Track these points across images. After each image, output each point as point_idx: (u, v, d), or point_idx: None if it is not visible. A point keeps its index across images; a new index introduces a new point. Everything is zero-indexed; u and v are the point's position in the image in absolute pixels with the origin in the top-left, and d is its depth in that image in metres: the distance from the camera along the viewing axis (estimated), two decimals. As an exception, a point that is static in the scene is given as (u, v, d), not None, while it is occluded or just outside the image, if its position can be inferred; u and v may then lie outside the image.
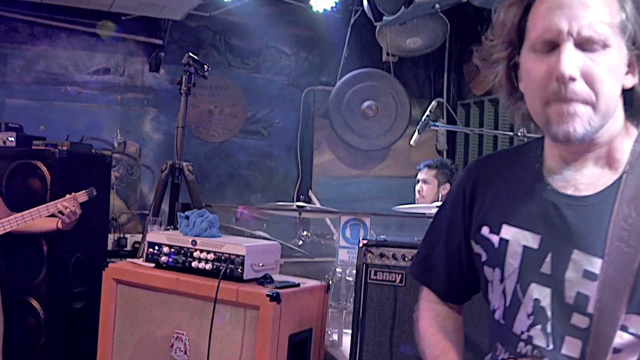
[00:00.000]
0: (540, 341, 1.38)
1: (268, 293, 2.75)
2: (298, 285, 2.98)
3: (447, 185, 4.85)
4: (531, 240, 1.42)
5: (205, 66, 3.77)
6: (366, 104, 5.84)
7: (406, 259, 2.96)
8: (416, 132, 4.20)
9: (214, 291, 2.80)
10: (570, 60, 1.29)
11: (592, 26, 1.30)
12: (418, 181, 4.93)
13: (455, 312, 1.75)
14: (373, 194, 6.20)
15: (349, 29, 5.92)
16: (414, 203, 5.11)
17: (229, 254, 2.90)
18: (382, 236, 3.11)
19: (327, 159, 6.06)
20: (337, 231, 3.62)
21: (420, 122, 4.19)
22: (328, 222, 3.93)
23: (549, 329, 1.38)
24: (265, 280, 2.94)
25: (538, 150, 1.50)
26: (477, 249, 1.55)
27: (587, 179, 1.40)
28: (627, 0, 1.34)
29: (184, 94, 3.75)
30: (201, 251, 2.96)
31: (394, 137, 5.96)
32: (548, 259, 1.40)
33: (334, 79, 5.98)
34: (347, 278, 4.08)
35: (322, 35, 6.08)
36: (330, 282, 3.88)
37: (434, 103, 4.29)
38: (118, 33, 5.19)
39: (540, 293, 1.40)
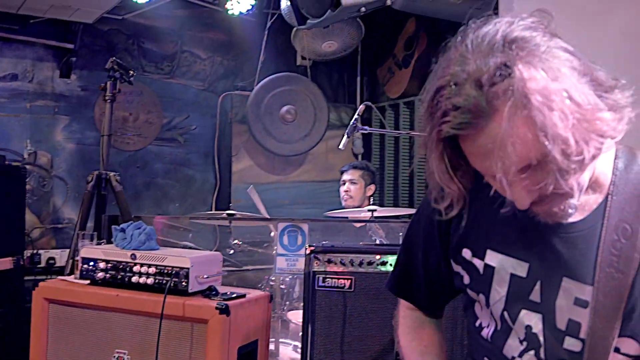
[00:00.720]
0: None
1: (217, 306, 2.65)
2: (244, 296, 2.90)
3: (372, 187, 4.89)
4: (519, 268, 1.40)
5: (131, 71, 3.61)
6: (285, 108, 5.78)
7: (354, 263, 2.93)
8: (345, 136, 4.19)
9: (157, 307, 2.68)
10: (521, 194, 1.25)
11: (523, 159, 1.20)
12: (344, 182, 4.93)
13: (436, 318, 1.75)
14: (292, 200, 6.16)
15: (266, 32, 5.85)
16: (339, 207, 5.12)
17: (172, 267, 2.78)
18: (322, 243, 3.06)
19: (246, 165, 5.95)
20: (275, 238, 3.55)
21: (349, 126, 4.19)
22: (272, 228, 3.84)
23: (542, 355, 1.38)
24: (210, 292, 2.84)
25: None
26: (457, 268, 1.53)
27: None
28: (548, 111, 1.16)
29: (109, 101, 3.57)
30: (142, 265, 2.82)
31: (313, 141, 5.93)
32: (537, 287, 1.39)
33: (251, 83, 5.89)
34: (281, 286, 4.02)
35: (238, 39, 5.98)
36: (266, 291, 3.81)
37: (361, 107, 4.30)
38: (26, 37, 4.89)
39: (531, 320, 1.39)
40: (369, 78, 6.65)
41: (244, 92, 5.90)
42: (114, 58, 3.57)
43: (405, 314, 1.75)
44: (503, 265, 1.42)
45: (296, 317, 3.76)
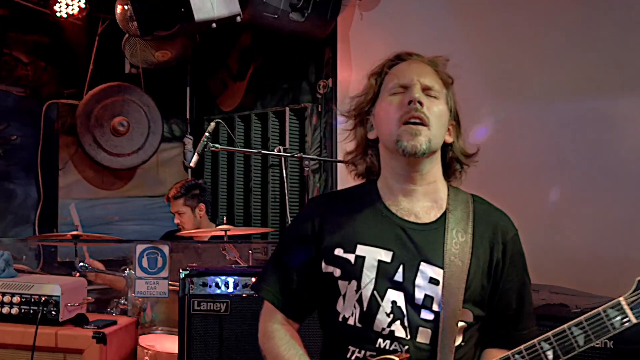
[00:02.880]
0: (400, 333, 1.78)
1: (94, 335, 2.51)
2: (115, 322, 2.76)
3: (202, 206, 4.81)
4: (384, 255, 1.83)
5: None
6: (117, 119, 5.53)
7: (229, 286, 2.90)
8: (195, 154, 4.12)
9: (26, 338, 2.50)
10: (419, 92, 1.83)
11: (431, 80, 1.87)
12: (174, 214, 4.83)
13: (297, 332, 1.98)
14: (123, 216, 5.90)
15: (97, 38, 5.56)
16: (173, 224, 5.01)
17: (40, 295, 2.58)
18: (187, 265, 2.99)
19: (74, 179, 5.61)
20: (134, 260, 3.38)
21: (200, 144, 4.11)
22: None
23: (406, 323, 1.79)
24: (81, 320, 2.67)
25: (374, 190, 1.93)
26: (328, 268, 1.87)
27: (422, 210, 1.88)
28: (448, 81, 1.92)
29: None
30: (4, 294, 2.58)
31: (147, 154, 5.73)
32: (400, 269, 1.81)
33: (80, 91, 5.56)
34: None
35: (65, 44, 5.61)
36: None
37: (212, 124, 4.24)
38: None
39: (396, 296, 1.80)
40: (202, 90, 6.54)
41: (71, 101, 5.56)
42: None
43: (276, 328, 1.95)
44: (372, 254, 1.84)
45: (145, 341, 3.60)
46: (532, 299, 1.95)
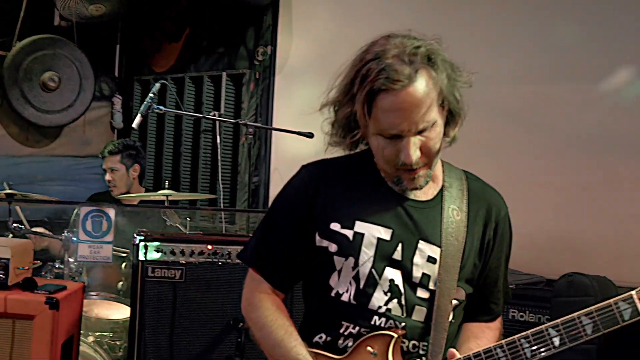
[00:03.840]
0: (397, 312, 1.78)
1: (47, 300, 2.41)
2: (65, 287, 2.67)
3: (137, 167, 4.70)
4: (384, 233, 1.80)
5: None
6: (47, 74, 5.27)
7: (185, 253, 2.85)
8: (139, 115, 4.01)
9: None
10: (414, 150, 1.70)
11: (424, 119, 1.68)
12: (105, 171, 4.68)
13: (282, 302, 1.94)
14: (47, 175, 5.65)
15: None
16: (103, 186, 4.87)
17: (-12, 257, 2.46)
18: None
19: (-3, 134, 5.33)
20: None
21: (144, 104, 4.01)
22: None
23: (403, 301, 1.79)
24: (29, 284, 2.57)
25: (371, 163, 1.84)
26: (323, 243, 1.82)
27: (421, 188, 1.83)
28: (441, 76, 1.71)
29: None
30: (-51, 255, 2.45)
31: (77, 112, 5.49)
32: (399, 248, 1.79)
33: (8, 43, 5.26)
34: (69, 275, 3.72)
35: (-6, -8, 5.29)
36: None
37: (157, 85, 4.13)
38: None
39: (394, 274, 1.79)
40: (133, 49, 6.33)
41: (-1, 52, 5.26)
42: None
43: (263, 298, 1.90)
44: (371, 231, 1.80)
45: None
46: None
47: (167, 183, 4.06)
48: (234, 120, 4.59)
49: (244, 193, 5.77)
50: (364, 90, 1.68)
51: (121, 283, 3.71)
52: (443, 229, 1.82)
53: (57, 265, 3.57)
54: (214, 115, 4.62)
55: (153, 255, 2.81)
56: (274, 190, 5.57)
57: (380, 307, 1.79)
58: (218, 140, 4.89)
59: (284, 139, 5.34)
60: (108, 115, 6.18)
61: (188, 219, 3.97)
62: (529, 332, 1.70)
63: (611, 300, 1.61)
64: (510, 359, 1.71)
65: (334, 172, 1.90)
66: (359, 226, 1.81)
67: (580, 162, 4.29)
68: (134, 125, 4.02)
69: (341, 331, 1.82)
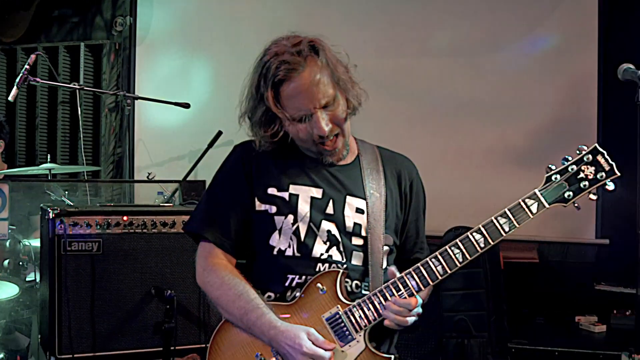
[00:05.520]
0: (337, 257, 2.05)
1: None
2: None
3: (1, 143, 4.51)
4: (316, 192, 2.09)
5: None
6: None
7: (100, 226, 2.84)
8: (15, 88, 3.87)
9: None
10: (325, 123, 1.99)
11: (325, 96, 1.98)
12: None
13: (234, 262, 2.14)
14: None
15: None
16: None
17: None
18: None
19: None
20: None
21: (20, 76, 3.87)
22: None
23: (341, 248, 2.07)
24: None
25: (294, 145, 2.12)
26: (263, 206, 2.09)
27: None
28: (325, 60, 2.00)
29: None
30: None
31: None
32: (330, 204, 2.09)
33: None
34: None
35: None
36: None
37: (32, 56, 3.98)
38: None
39: (330, 226, 2.07)
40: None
41: None
42: None
43: (216, 262, 2.08)
44: (304, 192, 2.09)
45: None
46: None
47: (48, 157, 3.94)
48: (112, 92, 4.51)
49: (109, 165, 5.67)
50: (269, 85, 1.97)
51: (7, 261, 3.60)
52: (365, 185, 2.14)
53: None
54: (75, 85, 4.51)
55: (68, 229, 2.78)
56: (139, 161, 5.54)
57: (322, 254, 2.04)
58: (79, 112, 4.79)
59: (147, 110, 5.32)
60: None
61: (66, 191, 3.92)
62: (457, 239, 1.97)
63: (519, 199, 1.94)
64: (445, 265, 1.98)
65: (263, 149, 2.14)
66: (293, 188, 2.09)
67: (444, 128, 4.71)
68: (10, 98, 3.87)
69: (287, 284, 2.04)
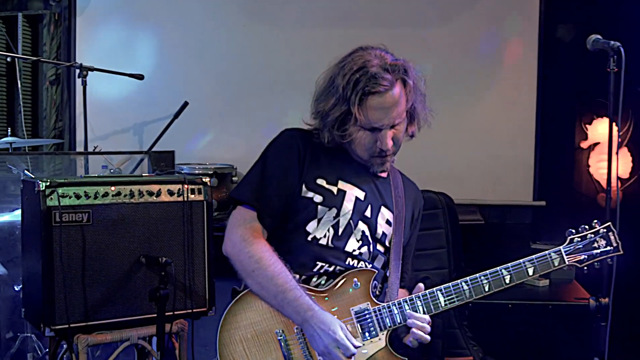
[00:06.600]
0: (366, 257, 2.32)
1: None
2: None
3: None
4: (360, 194, 2.34)
5: None
6: None
7: (89, 196, 2.86)
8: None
9: None
10: (390, 140, 2.27)
11: (399, 117, 2.27)
12: None
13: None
14: None
15: None
16: None
17: None
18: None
19: None
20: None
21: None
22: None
23: (371, 249, 2.34)
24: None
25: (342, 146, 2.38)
26: (309, 193, 2.29)
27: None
28: (411, 88, 2.29)
29: None
30: None
31: None
32: (369, 208, 2.34)
33: None
34: None
35: None
36: None
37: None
38: None
39: (365, 227, 2.33)
40: None
41: None
42: None
43: (256, 236, 2.25)
44: (351, 190, 2.33)
45: None
46: None
47: (9, 130, 3.87)
48: (68, 64, 4.43)
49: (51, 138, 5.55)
50: (358, 93, 2.18)
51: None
52: (395, 201, 2.41)
53: None
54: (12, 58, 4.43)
55: (59, 201, 2.78)
56: (80, 134, 5.43)
57: (354, 250, 2.29)
58: (19, 85, 4.71)
59: (89, 82, 5.23)
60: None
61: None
62: (487, 271, 2.26)
63: (547, 252, 2.32)
64: (472, 290, 2.24)
65: (315, 140, 2.35)
66: (342, 185, 2.32)
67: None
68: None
69: (315, 270, 2.25)
